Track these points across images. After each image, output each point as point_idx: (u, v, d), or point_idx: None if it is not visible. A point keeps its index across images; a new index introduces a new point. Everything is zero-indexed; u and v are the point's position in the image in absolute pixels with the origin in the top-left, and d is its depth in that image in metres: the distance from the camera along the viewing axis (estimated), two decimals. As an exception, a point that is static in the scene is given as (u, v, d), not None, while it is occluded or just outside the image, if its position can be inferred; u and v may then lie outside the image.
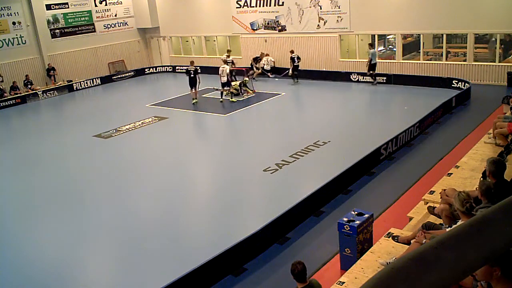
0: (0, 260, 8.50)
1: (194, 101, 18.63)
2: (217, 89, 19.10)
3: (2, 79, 22.41)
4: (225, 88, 18.40)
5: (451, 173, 8.08)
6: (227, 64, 18.84)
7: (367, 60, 18.81)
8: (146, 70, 27.22)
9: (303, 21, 21.74)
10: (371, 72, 18.76)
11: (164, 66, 27.41)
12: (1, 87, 22.12)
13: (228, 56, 21.17)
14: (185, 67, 21.52)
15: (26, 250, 8.72)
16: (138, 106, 19.15)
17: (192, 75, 18.43)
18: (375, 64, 18.67)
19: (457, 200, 4.92)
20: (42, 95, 22.87)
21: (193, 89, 18.60)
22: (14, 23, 23.03)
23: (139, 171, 12.24)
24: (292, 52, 20.67)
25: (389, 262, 5.68)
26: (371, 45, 18.91)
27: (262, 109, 17.50)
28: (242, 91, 19.18)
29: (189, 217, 9.63)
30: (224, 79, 18.24)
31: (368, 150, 10.80)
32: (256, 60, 22.55)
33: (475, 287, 3.90)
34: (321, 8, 20.97)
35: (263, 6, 22.84)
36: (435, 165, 10.40)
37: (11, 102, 21.75)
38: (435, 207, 6.19)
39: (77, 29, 25.53)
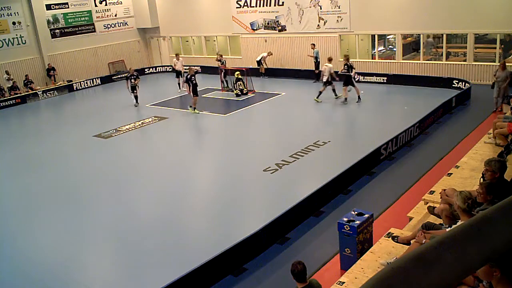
0: (0, 260, 8.50)
1: (196, 111, 17.11)
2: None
3: (9, 77, 22.40)
4: (326, 87, 16.86)
5: (451, 173, 8.08)
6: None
7: (313, 58, 20.23)
8: (146, 70, 27.22)
9: (303, 21, 21.75)
10: (318, 70, 19.98)
11: (164, 66, 27.42)
12: (2, 86, 22.12)
13: (221, 56, 21.17)
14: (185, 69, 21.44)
15: (26, 250, 8.71)
16: (138, 106, 19.15)
17: (194, 81, 17.03)
18: (319, 62, 20.04)
19: (459, 198, 4.92)
20: (42, 95, 22.87)
21: (196, 96, 17.10)
22: (14, 23, 23.03)
23: (139, 171, 12.23)
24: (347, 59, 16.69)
25: (390, 262, 5.68)
26: (314, 45, 20.33)
27: (262, 109, 17.49)
28: (239, 88, 19.27)
29: (189, 217, 9.63)
30: (325, 78, 16.78)
31: (368, 150, 10.80)
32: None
33: (477, 286, 3.90)
34: (321, 8, 20.97)
35: (263, 6, 22.84)
36: (435, 165, 10.40)
37: (11, 102, 21.76)
38: (435, 207, 6.19)
39: (77, 29, 25.53)
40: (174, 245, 8.43)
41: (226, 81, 20.65)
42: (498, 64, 14.63)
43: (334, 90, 17.01)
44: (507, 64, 17.28)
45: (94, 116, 18.57)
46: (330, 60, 17.06)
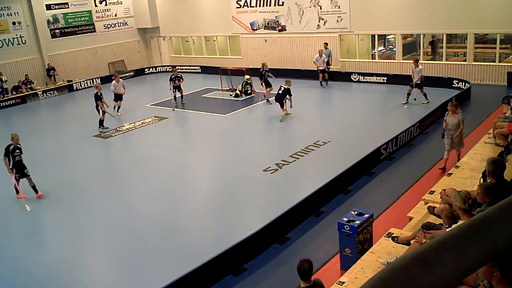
0: (2, 259, 8.50)
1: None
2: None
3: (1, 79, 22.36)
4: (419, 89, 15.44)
5: (451, 173, 8.09)
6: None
7: (328, 59, 19.84)
8: (146, 70, 27.23)
9: (303, 21, 21.75)
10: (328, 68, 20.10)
11: (164, 66, 27.42)
12: (5, 86, 22.14)
13: (176, 70, 19.20)
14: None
15: (27, 250, 8.72)
16: (138, 106, 19.14)
17: (266, 77, 16.33)
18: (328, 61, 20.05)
19: (458, 199, 4.92)
20: (42, 95, 22.88)
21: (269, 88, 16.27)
22: (14, 23, 23.04)
23: (139, 171, 12.23)
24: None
25: (390, 262, 5.69)
26: (327, 44, 20.31)
27: (262, 109, 17.48)
28: (244, 90, 19.25)
29: (189, 217, 9.63)
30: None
31: (368, 150, 10.81)
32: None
33: (478, 286, 3.90)
34: (321, 8, 20.98)
35: (263, 6, 22.85)
36: (435, 165, 10.40)
37: (11, 102, 21.77)
38: (435, 207, 6.19)
39: (77, 29, 25.54)
40: (174, 245, 8.43)
41: (175, 97, 18.87)
42: (448, 108, 10.01)
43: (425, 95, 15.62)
44: (506, 64, 17.34)
45: (94, 116, 18.51)
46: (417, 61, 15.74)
